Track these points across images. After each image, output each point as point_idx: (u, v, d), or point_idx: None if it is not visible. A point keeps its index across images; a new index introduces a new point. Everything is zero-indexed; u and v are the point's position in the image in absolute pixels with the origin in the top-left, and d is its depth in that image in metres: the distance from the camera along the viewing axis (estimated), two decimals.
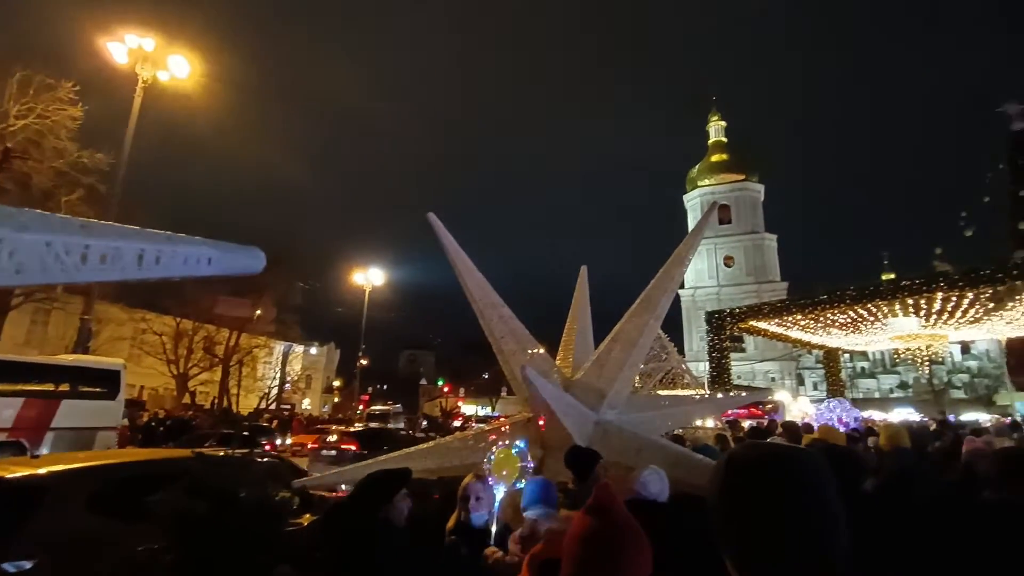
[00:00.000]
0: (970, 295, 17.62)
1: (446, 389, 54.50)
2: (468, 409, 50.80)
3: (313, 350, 58.65)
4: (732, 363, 24.55)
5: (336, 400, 59.34)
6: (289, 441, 23.53)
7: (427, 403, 56.70)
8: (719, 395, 8.17)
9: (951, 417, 24.99)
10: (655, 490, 3.16)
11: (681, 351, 68.79)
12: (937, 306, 18.80)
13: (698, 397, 7.24)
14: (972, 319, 20.18)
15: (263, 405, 40.17)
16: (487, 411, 49.64)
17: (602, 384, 4.50)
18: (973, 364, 78.52)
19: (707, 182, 73.10)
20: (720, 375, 21.71)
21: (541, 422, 4.28)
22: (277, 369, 45.36)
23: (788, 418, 16.29)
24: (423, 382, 67.46)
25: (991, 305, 18.68)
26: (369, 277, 37.12)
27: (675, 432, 6.98)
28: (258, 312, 37.98)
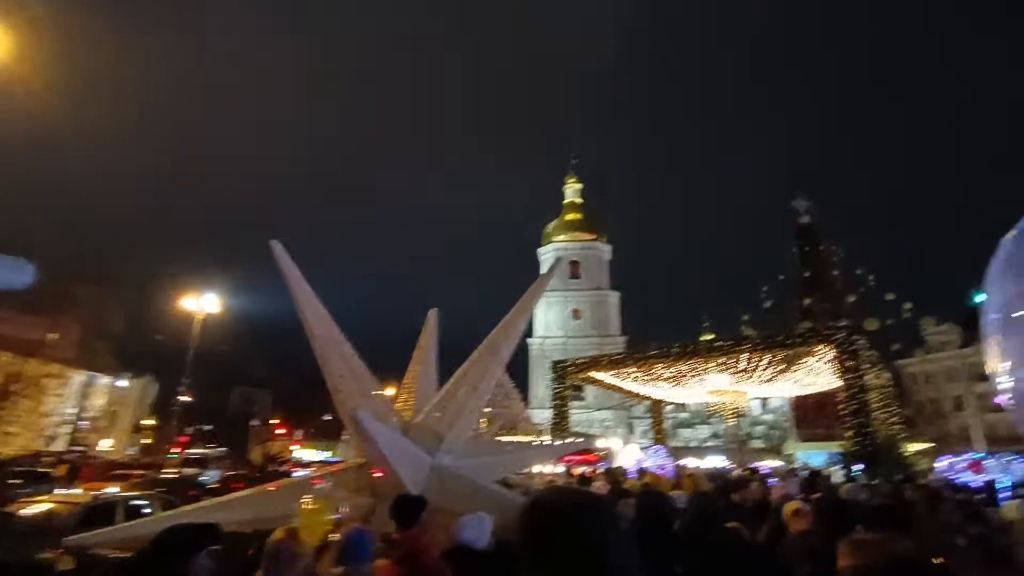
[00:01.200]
0: (767, 357, 20.55)
1: (281, 431, 50.17)
2: (308, 454, 47.16)
3: (123, 382, 50.83)
4: (572, 411, 25.82)
5: (148, 441, 51.58)
6: (78, 491, 19.77)
7: (256, 446, 51.64)
8: (556, 442, 8.50)
9: (753, 464, 28.43)
10: (470, 536, 3.16)
11: (526, 398, 71.26)
12: (742, 365, 21.61)
13: (536, 443, 7.48)
14: (768, 378, 23.47)
15: (45, 446, 33.65)
16: (328, 455, 46.45)
17: (442, 428, 4.44)
18: (768, 417, 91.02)
19: (560, 238, 78.19)
20: (560, 422, 22.69)
21: (377, 472, 4.10)
22: (74, 403, 38.53)
23: (618, 463, 17.38)
24: (255, 423, 61.46)
25: (782, 367, 21.88)
26: (202, 304, 33.39)
27: (505, 478, 7.10)
28: (54, 335, 32.23)
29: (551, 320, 74.35)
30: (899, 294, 37.10)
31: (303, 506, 3.25)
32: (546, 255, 78.08)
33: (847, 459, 17.98)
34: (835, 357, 18.45)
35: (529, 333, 75.28)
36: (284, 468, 29.31)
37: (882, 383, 22.91)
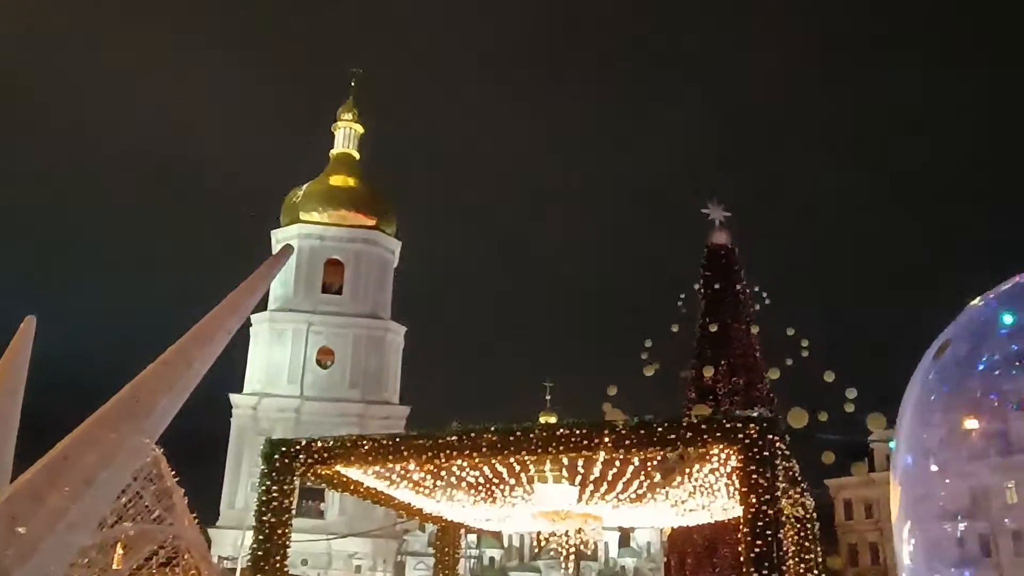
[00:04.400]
0: (637, 459, 22.18)
1: None
2: None
3: None
4: (297, 535, 25.23)
5: None
6: None
7: None
8: None
9: None
10: None
11: (213, 507, 68.34)
12: (598, 471, 23.05)
13: None
14: (637, 496, 25.33)
15: None
16: None
17: (8, 559, 4.02)
18: (630, 562, 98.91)
19: (314, 216, 77.33)
20: (271, 555, 22.04)
21: None
22: None
23: None
24: None
25: (657, 477, 23.76)
26: None
27: None
28: None
29: (277, 364, 72.56)
30: (841, 375, 41.94)
31: None
32: (288, 241, 76.42)
33: None
34: (738, 467, 20.51)
35: (233, 384, 72.48)
36: None
37: (802, 515, 25.99)
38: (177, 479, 9.93)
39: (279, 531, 22.77)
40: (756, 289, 52.73)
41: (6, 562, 4.41)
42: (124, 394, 4.53)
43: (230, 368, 72.60)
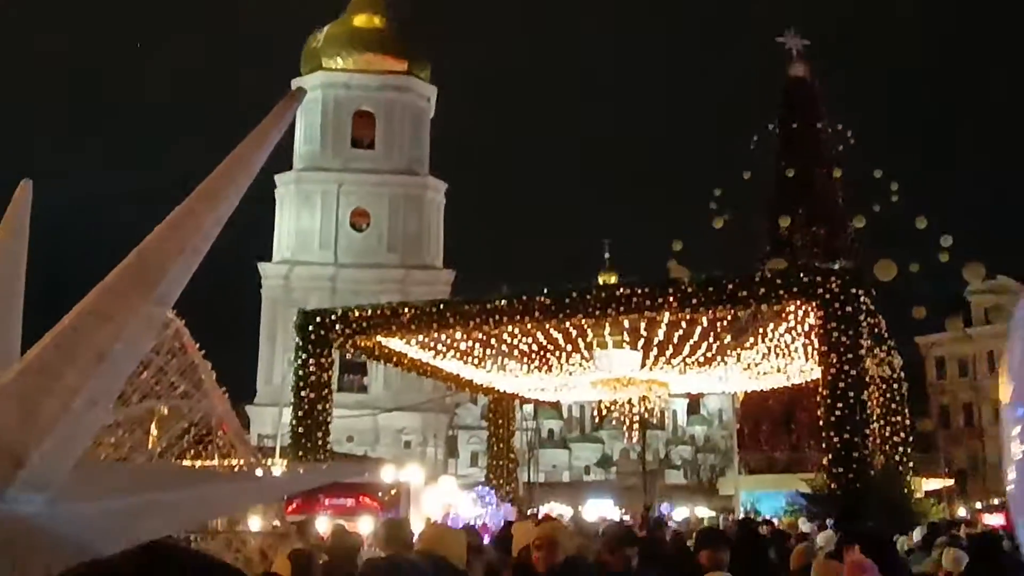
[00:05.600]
0: (704, 320, 22.26)
1: None
2: None
3: None
4: (339, 411, 26.00)
5: None
6: None
7: None
8: (300, 469, 8.48)
9: (663, 508, 31.16)
10: None
11: (245, 381, 69.90)
12: (661, 334, 23.22)
13: (247, 471, 7.38)
14: (703, 358, 25.54)
15: None
16: None
17: (22, 434, 4.10)
18: (700, 430, 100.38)
19: (338, 63, 76.02)
20: (312, 431, 22.81)
21: None
22: None
23: (416, 512, 18.00)
24: None
25: (728, 339, 23.89)
26: None
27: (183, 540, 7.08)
28: None
29: (307, 229, 72.73)
30: (936, 221, 40.74)
31: None
32: (312, 91, 75.02)
33: (819, 504, 20.33)
34: (818, 325, 20.49)
35: (262, 253, 73.00)
36: None
37: (889, 375, 26.00)
38: (204, 354, 10.16)
39: (319, 406, 23.45)
40: (840, 127, 51.43)
41: (21, 442, 4.42)
42: (131, 260, 4.44)
43: (257, 236, 73.17)
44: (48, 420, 4.84)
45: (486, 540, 10.30)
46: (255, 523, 9.10)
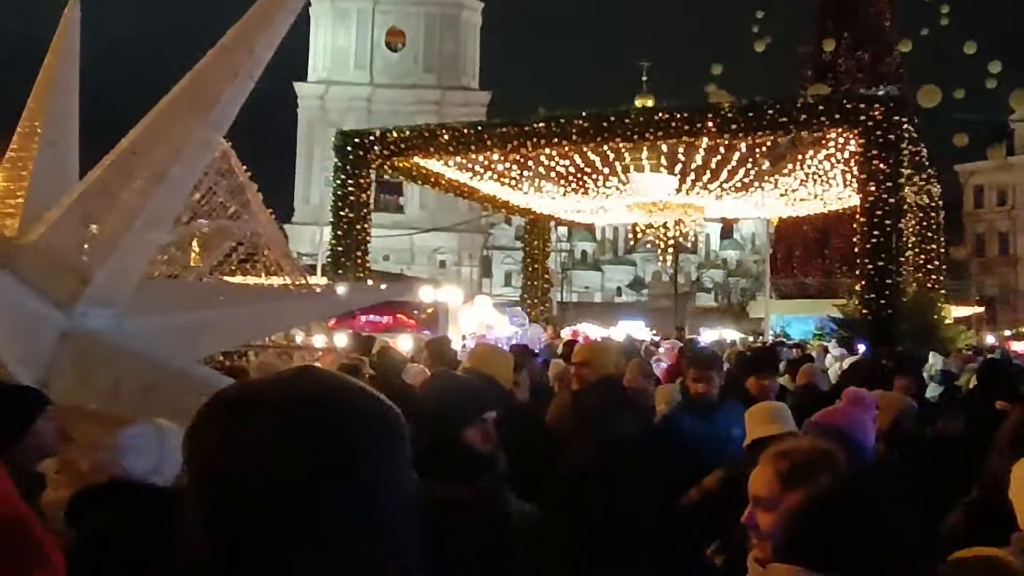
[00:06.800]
0: (743, 145, 22.07)
1: None
2: None
3: None
4: (377, 231, 26.34)
5: None
6: None
7: None
8: (340, 287, 8.69)
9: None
10: (141, 465, 3.29)
11: (284, 201, 70.95)
12: (701, 158, 23.08)
13: (293, 290, 7.54)
14: (740, 184, 25.44)
15: None
16: None
17: (87, 257, 4.25)
18: (732, 255, 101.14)
19: None
20: (351, 250, 23.21)
21: None
22: None
23: (454, 330, 18.46)
24: None
25: (766, 165, 23.73)
26: None
27: (229, 356, 7.30)
28: None
29: (342, 48, 71.86)
30: (985, 46, 39.75)
31: None
32: None
33: (850, 328, 20.62)
34: (859, 152, 20.26)
35: (297, 73, 72.47)
36: None
37: (926, 203, 25.86)
38: (249, 175, 10.23)
39: (357, 226, 23.79)
40: None
41: (86, 260, 4.61)
42: (185, 84, 4.51)
43: (292, 55, 72.48)
44: (111, 239, 5.02)
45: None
46: (319, 339, 9.39)
